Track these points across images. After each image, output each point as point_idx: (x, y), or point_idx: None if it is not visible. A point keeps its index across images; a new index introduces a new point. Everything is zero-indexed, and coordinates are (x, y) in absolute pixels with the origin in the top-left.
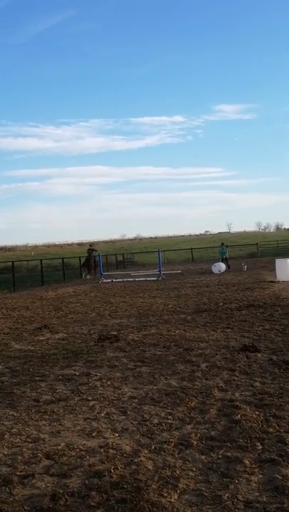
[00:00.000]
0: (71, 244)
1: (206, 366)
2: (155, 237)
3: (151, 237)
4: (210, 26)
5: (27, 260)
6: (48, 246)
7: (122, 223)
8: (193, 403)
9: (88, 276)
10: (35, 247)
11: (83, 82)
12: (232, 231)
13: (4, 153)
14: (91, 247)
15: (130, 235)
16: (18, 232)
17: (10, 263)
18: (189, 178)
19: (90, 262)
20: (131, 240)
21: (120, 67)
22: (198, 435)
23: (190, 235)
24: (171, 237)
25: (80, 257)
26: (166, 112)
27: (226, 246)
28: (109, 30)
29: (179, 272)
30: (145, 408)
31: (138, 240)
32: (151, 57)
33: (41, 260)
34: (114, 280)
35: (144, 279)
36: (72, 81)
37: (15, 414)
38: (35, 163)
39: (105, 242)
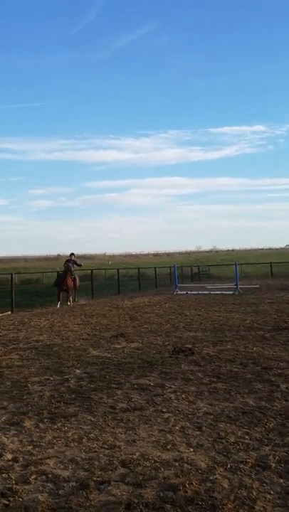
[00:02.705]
0: (147, 255)
1: (287, 387)
2: (232, 250)
3: (228, 250)
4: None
5: (105, 269)
6: (125, 256)
7: (198, 235)
8: (272, 424)
9: (59, 305)
10: (113, 256)
11: (163, 94)
12: None
13: (86, 165)
14: (72, 258)
15: (206, 247)
16: (96, 242)
17: (89, 271)
18: (269, 189)
19: (65, 279)
20: (207, 252)
21: (200, 78)
22: (277, 457)
23: (270, 249)
24: (249, 250)
25: (155, 268)
26: (247, 122)
27: None
28: (190, 42)
29: (257, 286)
30: (221, 425)
31: (214, 252)
32: (230, 67)
33: (118, 269)
34: (188, 292)
35: (219, 292)
36: (152, 93)
37: (92, 419)
38: (114, 175)
39: (180, 254)
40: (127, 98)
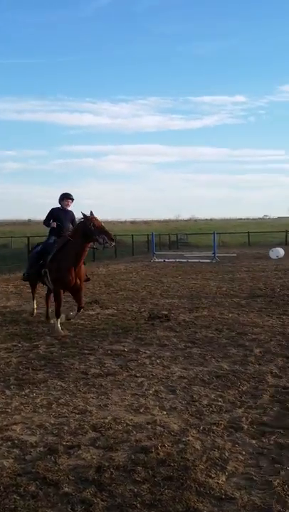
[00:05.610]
0: (124, 222)
1: (260, 351)
2: (210, 219)
3: (206, 219)
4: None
5: None
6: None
7: (177, 204)
8: (245, 387)
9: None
10: None
11: (143, 59)
12: None
13: (60, 128)
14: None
15: (185, 215)
16: (71, 208)
17: None
18: (249, 161)
19: (78, 261)
20: (185, 220)
21: (182, 44)
22: (249, 419)
23: (247, 219)
24: (227, 219)
25: (132, 235)
26: (228, 92)
27: None
28: (173, 7)
29: (234, 255)
30: (195, 389)
31: (193, 222)
32: (215, 35)
33: None
34: (166, 260)
35: (197, 260)
36: (132, 57)
37: (63, 385)
38: (91, 140)
39: (159, 222)
40: (104, 61)
